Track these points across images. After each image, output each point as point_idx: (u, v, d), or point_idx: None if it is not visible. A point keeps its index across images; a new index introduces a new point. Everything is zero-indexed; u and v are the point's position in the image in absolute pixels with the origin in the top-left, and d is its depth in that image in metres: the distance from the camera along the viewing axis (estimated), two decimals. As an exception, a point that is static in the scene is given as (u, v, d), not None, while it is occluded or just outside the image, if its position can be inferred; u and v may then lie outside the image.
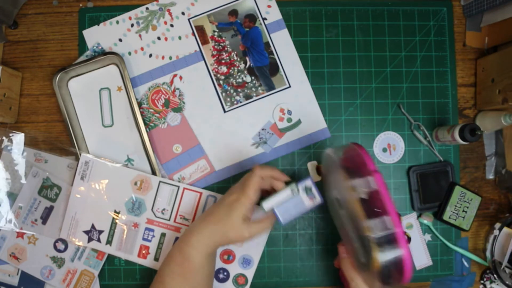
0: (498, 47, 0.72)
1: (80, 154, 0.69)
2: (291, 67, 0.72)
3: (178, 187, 0.69)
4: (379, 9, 0.73)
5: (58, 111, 0.71)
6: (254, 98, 0.72)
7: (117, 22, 0.72)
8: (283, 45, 0.72)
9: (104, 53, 0.70)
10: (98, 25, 0.72)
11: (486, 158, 0.74)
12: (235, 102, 0.72)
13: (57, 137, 0.71)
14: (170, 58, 0.72)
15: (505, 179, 0.72)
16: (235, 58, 0.72)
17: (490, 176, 0.74)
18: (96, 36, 0.72)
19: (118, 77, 0.71)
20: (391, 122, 0.73)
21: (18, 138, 0.69)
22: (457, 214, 0.70)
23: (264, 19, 0.72)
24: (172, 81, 0.72)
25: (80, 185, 0.68)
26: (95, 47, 0.71)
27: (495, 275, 0.68)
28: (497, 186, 0.73)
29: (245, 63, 0.72)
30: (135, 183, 0.69)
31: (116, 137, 0.71)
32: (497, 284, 0.71)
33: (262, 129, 0.72)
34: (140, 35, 0.72)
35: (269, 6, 0.73)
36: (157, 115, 0.71)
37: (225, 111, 0.72)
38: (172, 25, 0.72)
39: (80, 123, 0.70)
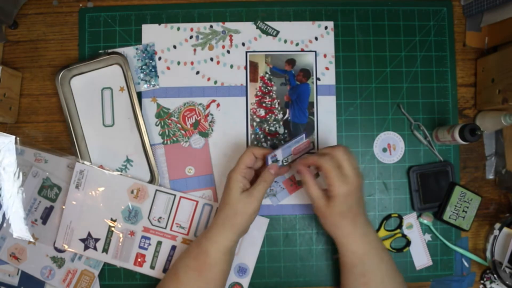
0: (498, 47, 0.72)
1: (79, 157, 0.68)
2: (326, 134, 0.71)
3: (175, 195, 0.69)
4: (379, 9, 0.73)
5: (58, 111, 0.71)
6: None
7: (178, 28, 0.71)
8: (326, 111, 0.71)
9: (108, 52, 0.70)
10: (159, 24, 0.71)
11: (486, 158, 0.74)
12: (260, 148, 0.70)
13: (57, 137, 0.71)
14: (215, 82, 0.71)
15: (505, 179, 0.72)
16: (276, 106, 0.71)
17: (490, 176, 0.74)
18: (154, 35, 0.71)
19: (121, 78, 0.70)
20: (391, 122, 0.73)
21: (8, 141, 0.69)
22: (457, 214, 0.70)
23: (318, 79, 0.72)
24: (208, 105, 0.71)
25: (75, 193, 0.68)
26: (148, 47, 0.71)
27: (495, 275, 0.68)
28: (497, 186, 0.73)
29: (284, 114, 0.71)
30: (132, 192, 0.69)
31: (116, 137, 0.70)
32: (497, 284, 0.71)
33: (275, 181, 0.70)
34: (195, 49, 0.71)
35: (327, 69, 0.72)
36: (183, 131, 0.71)
37: None
38: (228, 52, 0.71)
39: (80, 121, 0.70)
